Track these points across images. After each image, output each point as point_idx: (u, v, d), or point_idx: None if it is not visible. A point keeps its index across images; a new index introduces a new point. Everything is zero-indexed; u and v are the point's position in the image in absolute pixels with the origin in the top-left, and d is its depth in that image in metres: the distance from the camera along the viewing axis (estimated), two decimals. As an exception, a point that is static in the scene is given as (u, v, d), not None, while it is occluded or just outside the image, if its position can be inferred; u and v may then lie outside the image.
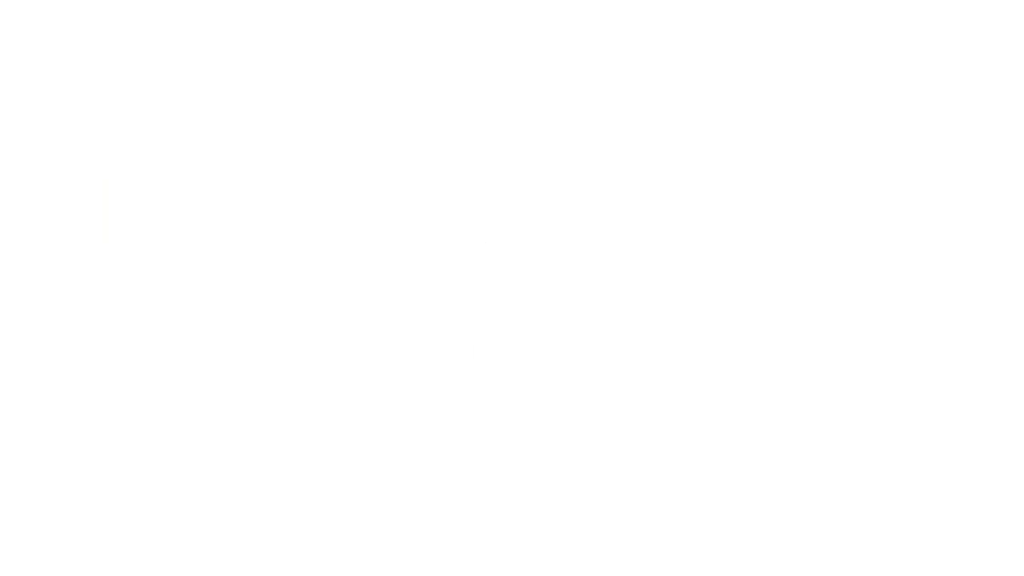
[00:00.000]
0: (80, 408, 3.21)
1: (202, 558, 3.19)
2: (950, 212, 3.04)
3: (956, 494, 3.03)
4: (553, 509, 3.14)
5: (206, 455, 3.21)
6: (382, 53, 3.19)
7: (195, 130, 3.22)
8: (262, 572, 3.18)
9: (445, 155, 3.18)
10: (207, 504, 3.20)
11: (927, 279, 3.05)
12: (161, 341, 3.22)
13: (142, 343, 3.22)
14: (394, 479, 3.18)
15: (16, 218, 3.21)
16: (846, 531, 3.06)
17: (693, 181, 3.11)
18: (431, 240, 3.18)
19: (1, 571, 3.17)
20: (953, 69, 3.04)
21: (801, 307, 3.09)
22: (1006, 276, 3.02)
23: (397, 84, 3.19)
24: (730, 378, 3.10)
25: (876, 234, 3.06)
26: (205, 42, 3.22)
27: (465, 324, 3.17)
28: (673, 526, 3.11)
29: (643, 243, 3.13)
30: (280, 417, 3.20)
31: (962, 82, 3.04)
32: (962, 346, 3.03)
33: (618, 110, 3.13)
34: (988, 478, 3.02)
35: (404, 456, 3.18)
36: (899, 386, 3.06)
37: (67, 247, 3.22)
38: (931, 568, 3.02)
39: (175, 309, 3.21)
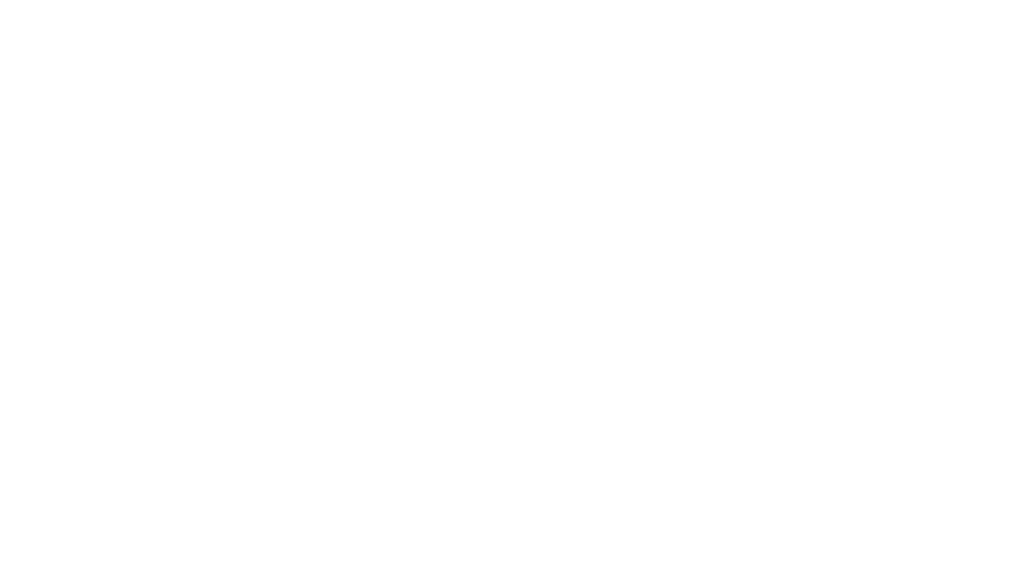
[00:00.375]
0: (80, 408, 3.21)
1: (202, 558, 3.19)
2: (950, 212, 3.04)
3: (956, 494, 3.03)
4: (553, 509, 3.14)
5: (206, 455, 3.21)
6: (382, 53, 3.19)
7: (195, 130, 3.22)
8: (262, 572, 3.18)
9: (445, 155, 3.18)
10: (207, 504, 3.20)
11: (927, 279, 3.05)
12: (161, 341, 3.22)
13: (142, 343, 3.22)
14: (394, 479, 3.18)
15: (16, 218, 3.21)
16: (846, 531, 3.06)
17: (693, 181, 3.12)
18: (431, 240, 3.18)
19: (1, 571, 3.17)
20: (953, 69, 3.04)
21: (801, 307, 3.09)
22: (1006, 276, 3.02)
23: (397, 84, 3.19)
24: (730, 378, 3.10)
25: (876, 234, 3.06)
26: (205, 42, 3.22)
27: (465, 324, 3.17)
28: (673, 526, 3.11)
29: (643, 243, 3.13)
30: (280, 417, 3.20)
31: (962, 82, 3.04)
32: (962, 346, 3.03)
33: (618, 110, 3.13)
34: (988, 478, 3.02)
35: (404, 456, 3.18)
36: (899, 386, 3.06)
37: (67, 247, 3.22)
38: (931, 568, 3.02)
39: (175, 309, 3.21)
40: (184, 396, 3.21)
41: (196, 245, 3.21)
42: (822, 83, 3.08)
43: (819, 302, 3.08)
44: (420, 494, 3.18)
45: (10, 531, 3.19)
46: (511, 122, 3.16)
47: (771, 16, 3.09)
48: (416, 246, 3.18)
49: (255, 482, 3.20)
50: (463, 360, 3.17)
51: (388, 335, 3.18)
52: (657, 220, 3.13)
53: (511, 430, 3.16)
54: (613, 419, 3.14)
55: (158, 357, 3.22)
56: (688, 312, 3.12)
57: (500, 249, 3.16)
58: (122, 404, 3.22)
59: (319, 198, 3.20)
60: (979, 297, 3.03)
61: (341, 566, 3.17)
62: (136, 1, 3.22)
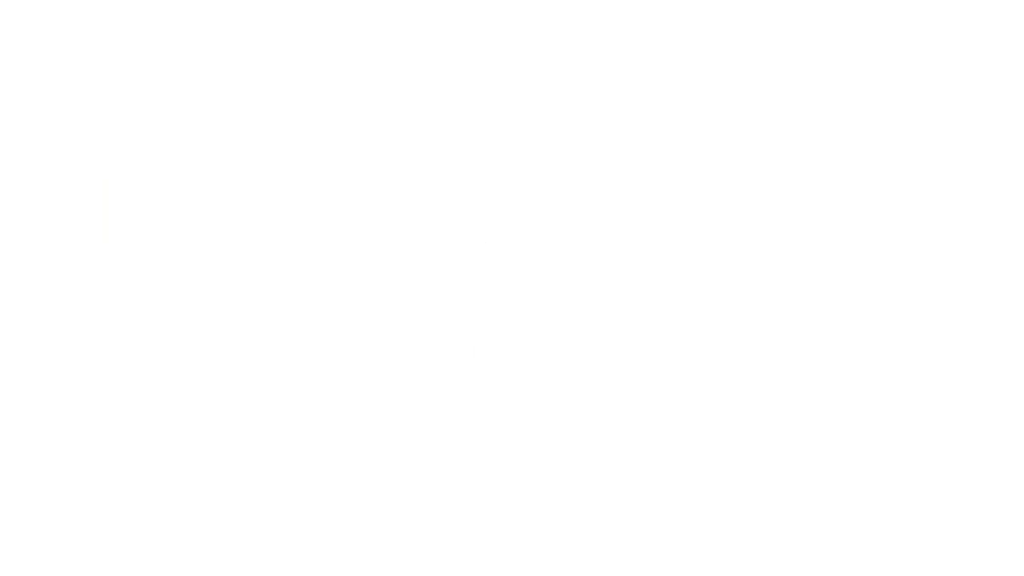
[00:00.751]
0: (80, 408, 3.21)
1: (202, 558, 3.20)
2: (950, 212, 3.04)
3: (956, 494, 3.03)
4: (553, 509, 3.14)
5: (206, 455, 3.21)
6: (382, 53, 3.19)
7: (195, 130, 3.22)
8: (262, 572, 3.18)
9: (445, 155, 3.18)
10: (207, 504, 3.20)
11: (927, 279, 3.05)
12: (161, 341, 3.22)
13: (142, 343, 3.22)
14: (394, 479, 3.18)
15: (16, 218, 3.21)
16: (846, 531, 3.06)
17: (693, 181, 3.12)
18: (431, 240, 3.18)
19: (1, 571, 3.17)
20: (953, 69, 3.04)
21: (801, 307, 3.09)
22: (1006, 276, 3.02)
23: (397, 84, 3.19)
24: (730, 378, 3.10)
25: (876, 234, 3.06)
26: (205, 42, 3.22)
27: (465, 324, 3.17)
28: (673, 526, 3.11)
29: (643, 243, 3.13)
30: (279, 416, 3.20)
31: (962, 82, 3.04)
32: (962, 346, 3.04)
33: (618, 110, 3.13)
34: (988, 478, 3.02)
35: (404, 456, 3.18)
36: (899, 386, 3.06)
37: (67, 247, 3.22)
38: (931, 568, 3.02)
39: (175, 309, 3.22)
40: (184, 395, 3.21)
41: (196, 245, 3.21)
42: (822, 83, 3.08)
43: (819, 302, 3.08)
44: (420, 494, 3.18)
45: (10, 531, 3.19)
46: (511, 122, 3.16)
47: (771, 16, 3.09)
48: (416, 246, 3.18)
49: (255, 481, 3.20)
50: (463, 359, 3.17)
51: (388, 335, 3.19)
52: (657, 220, 3.13)
53: (511, 430, 3.16)
54: (613, 419, 3.14)
55: (158, 357, 3.22)
56: (688, 312, 3.12)
57: (500, 249, 3.16)
58: (122, 403, 3.22)
59: (318, 198, 3.20)
60: (979, 297, 3.03)
61: (341, 566, 3.17)
62: (136, 1, 3.22)
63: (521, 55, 3.16)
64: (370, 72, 3.19)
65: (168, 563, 3.20)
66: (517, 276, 3.16)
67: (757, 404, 3.10)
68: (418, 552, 3.17)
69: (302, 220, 3.20)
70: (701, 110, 3.11)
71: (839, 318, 3.07)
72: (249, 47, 3.21)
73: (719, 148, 3.11)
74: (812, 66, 3.08)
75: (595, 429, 3.14)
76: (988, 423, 3.02)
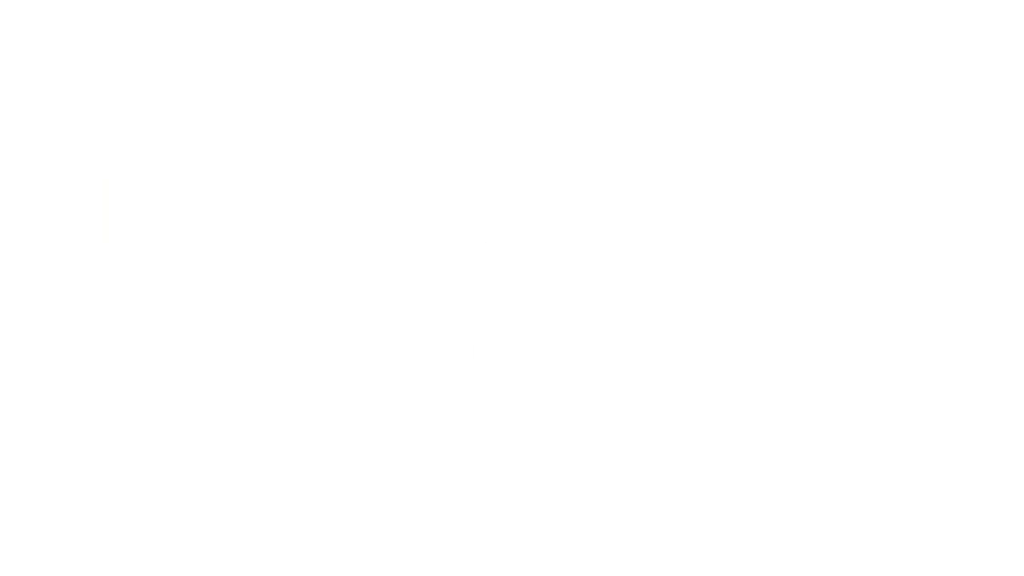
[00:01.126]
0: (80, 408, 3.21)
1: (202, 558, 3.19)
2: (950, 212, 3.04)
3: (956, 494, 3.03)
4: (553, 509, 3.14)
5: (206, 455, 3.21)
6: (382, 53, 3.19)
7: (195, 130, 3.22)
8: (262, 572, 3.18)
9: (445, 155, 3.18)
10: (207, 504, 3.20)
11: (927, 279, 3.05)
12: (161, 341, 3.22)
13: (142, 343, 3.22)
14: (394, 479, 3.18)
15: (16, 218, 3.21)
16: (846, 531, 3.06)
17: (693, 181, 3.12)
18: (431, 240, 3.18)
19: (1, 571, 3.17)
20: (953, 69, 3.04)
21: (801, 307, 3.09)
22: (1006, 276, 3.02)
23: (397, 84, 3.19)
24: (730, 378, 3.10)
25: (876, 234, 3.06)
26: (205, 42, 3.22)
27: (465, 325, 3.17)
28: (673, 526, 3.11)
29: (643, 243, 3.13)
30: (280, 417, 3.20)
31: (962, 82, 3.04)
32: (962, 346, 3.03)
33: (618, 110, 3.13)
34: (988, 478, 3.02)
35: (404, 456, 3.18)
36: (899, 386, 3.06)
37: (67, 247, 3.22)
38: (931, 568, 3.02)
39: (175, 309, 3.21)
40: (184, 396, 3.21)
41: (196, 245, 3.21)
42: (822, 83, 3.08)
43: (819, 302, 3.08)
44: (420, 494, 3.18)
45: (10, 531, 3.19)
46: (511, 122, 3.16)
47: (771, 16, 3.09)
48: (416, 246, 3.18)
49: (255, 482, 3.20)
50: (463, 360, 3.17)
51: (388, 335, 3.18)
52: (657, 220, 3.13)
53: (511, 431, 3.16)
54: (613, 419, 3.14)
55: (158, 357, 3.22)
56: (688, 312, 3.12)
57: (500, 249, 3.16)
58: (122, 404, 3.22)
59: (319, 198, 3.20)
60: (979, 297, 3.03)
61: (341, 566, 3.17)
62: (136, 1, 3.22)
63: (521, 55, 3.15)
64: (370, 72, 3.19)
65: (168, 563, 3.20)
66: (517, 276, 3.16)
67: (757, 404, 3.10)
68: (418, 552, 3.17)
69: (304, 220, 3.20)
70: (701, 110, 3.11)
71: (839, 318, 3.07)
72: (249, 47, 3.21)
73: (719, 148, 3.11)
74: (812, 66, 3.08)
75: (595, 429, 3.14)
76: (988, 423, 3.02)
